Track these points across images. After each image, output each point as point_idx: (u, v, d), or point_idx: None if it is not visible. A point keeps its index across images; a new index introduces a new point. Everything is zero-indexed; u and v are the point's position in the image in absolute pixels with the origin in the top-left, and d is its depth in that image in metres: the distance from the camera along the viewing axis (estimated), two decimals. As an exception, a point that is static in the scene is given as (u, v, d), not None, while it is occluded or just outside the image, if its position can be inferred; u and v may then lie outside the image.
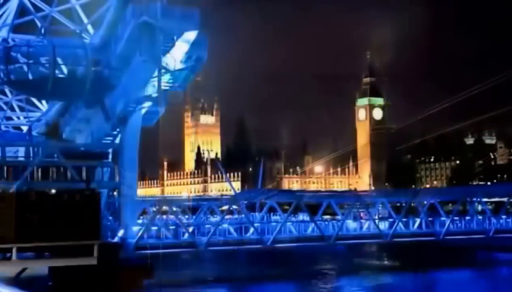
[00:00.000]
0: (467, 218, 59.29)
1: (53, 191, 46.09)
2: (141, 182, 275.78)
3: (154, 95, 48.72)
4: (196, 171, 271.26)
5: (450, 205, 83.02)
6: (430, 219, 56.81)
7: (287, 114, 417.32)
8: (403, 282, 55.79)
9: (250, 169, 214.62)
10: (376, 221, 56.55)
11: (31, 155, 50.17)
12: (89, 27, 51.12)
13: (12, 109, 57.09)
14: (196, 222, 57.19)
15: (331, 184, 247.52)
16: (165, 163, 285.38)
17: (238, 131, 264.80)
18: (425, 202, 59.22)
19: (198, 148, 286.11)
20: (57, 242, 39.65)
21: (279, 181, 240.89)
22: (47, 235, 39.53)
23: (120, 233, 46.84)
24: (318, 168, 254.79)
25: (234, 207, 59.12)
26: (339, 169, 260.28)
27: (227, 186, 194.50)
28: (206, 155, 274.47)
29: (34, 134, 55.18)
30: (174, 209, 68.49)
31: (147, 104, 49.38)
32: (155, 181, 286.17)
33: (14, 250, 38.65)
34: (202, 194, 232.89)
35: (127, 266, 43.26)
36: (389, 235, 54.34)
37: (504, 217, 60.69)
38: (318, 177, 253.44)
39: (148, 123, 53.18)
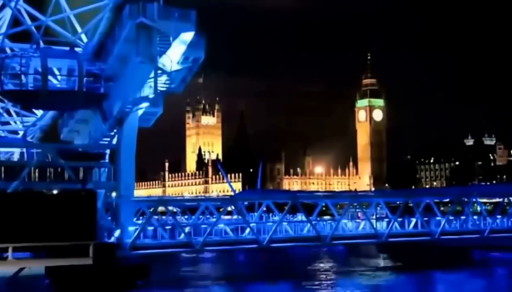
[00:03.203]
0: (463, 217, 59.48)
1: (54, 191, 46.43)
2: (143, 183, 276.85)
3: (151, 96, 48.99)
4: (197, 172, 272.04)
5: (449, 205, 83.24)
6: (425, 219, 56.99)
7: (288, 116, 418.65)
8: (398, 282, 56.11)
9: (251, 170, 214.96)
10: (372, 221, 56.64)
11: (25, 158, 50.68)
12: (83, 36, 51.58)
13: (8, 113, 57.45)
14: (192, 222, 57.40)
15: (330, 185, 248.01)
16: (167, 164, 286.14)
17: (239, 133, 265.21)
18: (420, 202, 59.39)
19: (199, 149, 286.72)
20: (53, 242, 39.95)
21: (279, 182, 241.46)
22: (43, 235, 39.84)
23: (117, 233, 47.10)
24: (319, 169, 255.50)
25: (232, 207, 59.33)
26: (339, 170, 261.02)
27: (228, 187, 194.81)
28: (207, 156, 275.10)
29: (28, 140, 55.71)
30: (175, 210, 68.92)
31: (144, 105, 49.63)
32: (156, 182, 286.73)
33: (10, 250, 38.96)
34: (203, 194, 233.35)
35: (122, 266, 43.49)
36: (385, 235, 54.55)
37: (499, 217, 60.89)
38: (318, 178, 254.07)
39: (145, 124, 53.51)
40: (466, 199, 61.75)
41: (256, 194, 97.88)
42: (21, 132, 57.23)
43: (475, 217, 60.61)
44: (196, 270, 60.90)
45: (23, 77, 46.82)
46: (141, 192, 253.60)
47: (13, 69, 47.05)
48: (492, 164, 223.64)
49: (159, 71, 48.77)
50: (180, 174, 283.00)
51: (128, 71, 48.58)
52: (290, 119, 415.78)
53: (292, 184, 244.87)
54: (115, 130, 51.28)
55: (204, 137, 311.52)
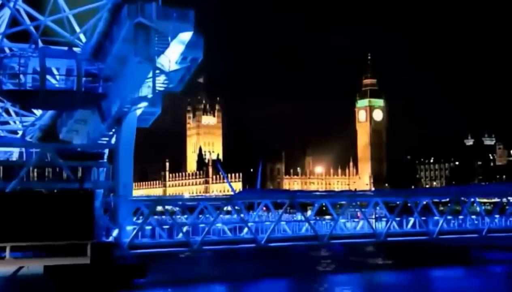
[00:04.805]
0: (461, 217, 59.59)
1: (55, 191, 46.57)
2: (144, 183, 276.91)
3: (149, 96, 49.10)
4: (197, 172, 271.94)
5: (448, 205, 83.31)
6: (423, 218, 57.11)
7: (288, 116, 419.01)
8: (396, 281, 56.07)
9: (251, 170, 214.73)
10: (371, 220, 56.76)
11: (24, 157, 50.86)
12: (82, 36, 51.80)
13: (7, 113, 57.64)
14: (191, 221, 57.49)
15: (330, 185, 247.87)
16: (167, 164, 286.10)
17: (240, 133, 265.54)
18: (419, 202, 59.51)
19: (200, 149, 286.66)
20: (51, 242, 40.08)
21: (279, 181, 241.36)
22: (41, 234, 39.98)
23: (115, 232, 47.21)
24: (319, 169, 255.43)
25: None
26: (339, 170, 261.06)
27: (228, 187, 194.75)
28: (207, 156, 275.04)
29: (27, 140, 55.85)
30: (175, 209, 68.97)
31: (142, 105, 49.76)
32: (157, 182, 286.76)
33: (7, 249, 39.10)
34: (203, 194, 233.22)
35: (120, 265, 43.63)
36: (383, 234, 54.68)
37: (497, 216, 61.02)
38: (318, 178, 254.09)
39: (144, 124, 53.68)
40: (464, 199, 61.84)
41: (256, 194, 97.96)
42: (20, 132, 57.41)
43: (474, 217, 60.71)
44: (194, 269, 60.86)
45: (21, 77, 46.97)
46: (142, 191, 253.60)
47: (12, 69, 47.20)
48: (492, 164, 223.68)
49: (158, 71, 48.93)
50: (180, 174, 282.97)
51: (127, 71, 48.73)
52: (290, 119, 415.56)
53: (292, 183, 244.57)
54: (113, 130, 51.46)
55: (205, 137, 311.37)
